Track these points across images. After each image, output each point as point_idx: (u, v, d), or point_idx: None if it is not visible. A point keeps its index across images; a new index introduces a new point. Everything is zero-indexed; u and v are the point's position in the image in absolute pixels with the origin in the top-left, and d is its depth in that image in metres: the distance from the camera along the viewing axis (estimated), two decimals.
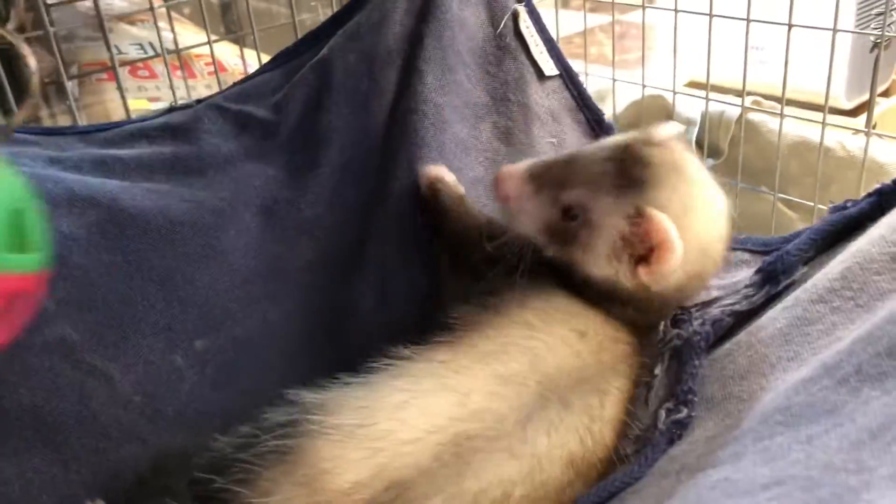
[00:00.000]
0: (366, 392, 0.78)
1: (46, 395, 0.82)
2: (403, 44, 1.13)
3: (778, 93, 1.34)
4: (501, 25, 1.23)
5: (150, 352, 0.89)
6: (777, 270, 0.85)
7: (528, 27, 1.26)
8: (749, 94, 1.85)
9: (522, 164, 0.90)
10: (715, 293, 1.09)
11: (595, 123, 1.32)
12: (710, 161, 1.51)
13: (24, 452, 0.80)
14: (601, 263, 0.85)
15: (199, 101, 1.08)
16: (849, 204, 0.90)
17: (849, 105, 1.93)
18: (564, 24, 1.58)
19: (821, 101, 1.29)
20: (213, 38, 1.36)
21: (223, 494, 0.72)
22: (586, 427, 0.77)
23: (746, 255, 1.14)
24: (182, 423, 0.87)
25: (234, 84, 1.12)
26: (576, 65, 1.50)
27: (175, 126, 1.04)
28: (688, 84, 2.27)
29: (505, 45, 1.24)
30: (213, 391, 0.91)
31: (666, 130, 0.89)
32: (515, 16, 1.25)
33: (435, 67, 1.11)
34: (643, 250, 0.82)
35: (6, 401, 0.81)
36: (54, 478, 0.81)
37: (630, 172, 0.84)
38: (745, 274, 1.07)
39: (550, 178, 0.88)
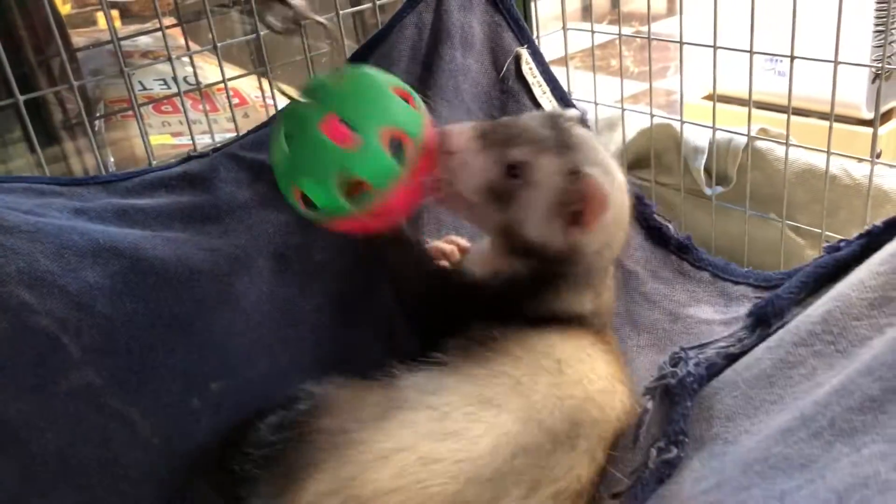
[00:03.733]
0: (354, 395, 0.84)
1: (71, 438, 0.87)
2: None
3: (797, 104, 1.35)
4: (504, 69, 1.27)
5: (169, 395, 0.94)
6: (768, 314, 0.87)
7: (530, 68, 1.29)
8: (767, 107, 1.86)
9: (467, 124, 0.95)
10: (716, 328, 1.12)
11: None
12: (720, 188, 1.53)
13: (51, 493, 0.85)
14: (538, 223, 0.92)
15: (215, 150, 1.13)
16: (842, 245, 0.92)
17: (870, 115, 1.94)
18: (584, 38, 1.60)
19: (841, 111, 1.30)
20: (233, 74, 1.41)
21: None
22: (556, 455, 0.80)
23: (749, 290, 1.19)
24: (198, 463, 0.92)
25: (249, 132, 1.16)
26: (588, 83, 1.53)
27: (193, 175, 1.09)
28: (706, 97, 2.29)
29: (508, 88, 1.28)
30: (227, 432, 0.95)
31: (571, 113, 1.01)
32: (517, 58, 1.29)
33: (439, 117, 1.15)
34: (577, 207, 0.90)
35: (34, 445, 0.85)
36: None
37: (564, 137, 0.93)
38: (744, 309, 1.09)
39: (496, 137, 0.93)
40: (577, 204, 0.90)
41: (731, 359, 0.86)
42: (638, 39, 2.52)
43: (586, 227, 0.91)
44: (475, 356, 0.89)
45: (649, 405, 0.84)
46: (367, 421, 0.80)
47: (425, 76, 1.16)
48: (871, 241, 0.87)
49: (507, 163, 0.91)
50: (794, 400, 0.72)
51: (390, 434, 0.79)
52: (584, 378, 0.88)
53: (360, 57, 1.19)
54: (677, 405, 0.81)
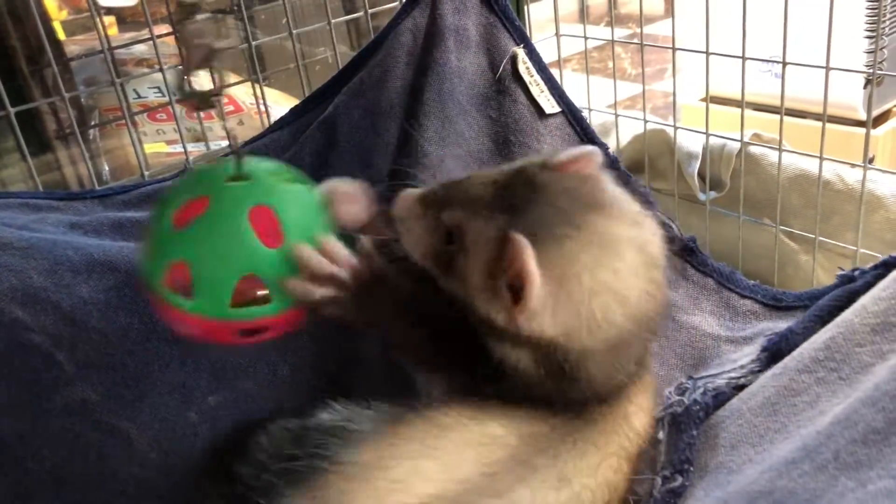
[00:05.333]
0: (391, 430, 0.78)
1: (67, 455, 0.87)
2: (404, 97, 1.17)
3: (793, 105, 1.34)
4: (500, 69, 1.26)
5: (166, 410, 0.94)
6: (783, 351, 0.86)
7: (527, 68, 1.28)
8: (764, 108, 1.86)
9: (417, 190, 0.84)
10: (723, 346, 1.09)
11: None
12: (713, 193, 1.54)
13: None
14: (479, 296, 0.77)
15: None
16: (856, 273, 0.91)
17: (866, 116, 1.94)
18: (579, 40, 1.59)
19: (837, 112, 1.27)
20: (226, 82, 1.42)
21: None
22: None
23: (756, 307, 1.13)
24: (196, 477, 0.92)
25: (245, 143, 1.16)
26: (583, 87, 1.53)
27: None
28: (703, 99, 2.29)
29: (504, 88, 1.26)
30: (224, 444, 0.95)
31: (577, 152, 0.82)
32: (514, 58, 1.28)
33: (435, 120, 1.15)
34: (512, 282, 0.74)
35: (29, 461, 0.85)
36: None
37: (512, 195, 0.77)
38: (753, 328, 1.07)
39: (437, 198, 0.81)
40: (509, 277, 0.73)
41: (740, 389, 0.86)
42: (638, 39, 2.53)
43: (522, 309, 0.73)
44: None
45: (661, 435, 0.84)
46: (403, 459, 0.75)
47: (419, 81, 1.16)
48: (887, 272, 0.85)
49: (444, 228, 0.79)
50: (797, 428, 0.72)
51: (432, 478, 0.74)
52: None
53: (355, 65, 1.19)
54: (683, 434, 0.81)
